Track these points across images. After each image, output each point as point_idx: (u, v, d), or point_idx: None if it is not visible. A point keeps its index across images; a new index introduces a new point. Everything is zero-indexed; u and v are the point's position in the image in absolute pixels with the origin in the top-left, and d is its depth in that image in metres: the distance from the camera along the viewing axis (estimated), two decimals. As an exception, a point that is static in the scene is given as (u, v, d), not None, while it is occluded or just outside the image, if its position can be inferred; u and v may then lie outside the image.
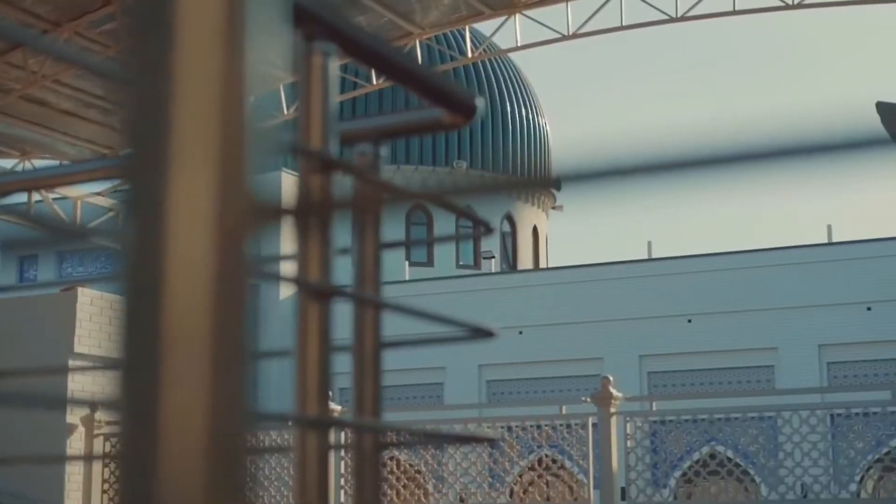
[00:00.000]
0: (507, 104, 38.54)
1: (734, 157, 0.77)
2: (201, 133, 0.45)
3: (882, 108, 9.41)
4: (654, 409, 12.05)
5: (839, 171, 0.77)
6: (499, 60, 38.26)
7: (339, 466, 11.66)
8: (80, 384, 13.02)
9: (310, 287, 1.51)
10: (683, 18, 18.63)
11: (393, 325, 1.37)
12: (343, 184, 1.63)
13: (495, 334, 1.79)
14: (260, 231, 0.45)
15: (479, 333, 1.82)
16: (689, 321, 27.85)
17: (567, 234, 71.27)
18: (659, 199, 0.83)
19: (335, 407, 12.64)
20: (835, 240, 28.53)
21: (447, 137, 37.21)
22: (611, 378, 11.21)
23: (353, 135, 1.88)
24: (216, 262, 0.44)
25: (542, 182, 1.47)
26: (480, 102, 1.86)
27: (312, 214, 1.54)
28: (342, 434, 2.19)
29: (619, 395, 11.10)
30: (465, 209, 1.94)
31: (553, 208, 41.08)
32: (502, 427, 12.45)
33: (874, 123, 0.80)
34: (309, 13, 1.54)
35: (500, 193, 1.09)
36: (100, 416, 13.53)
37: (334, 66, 1.57)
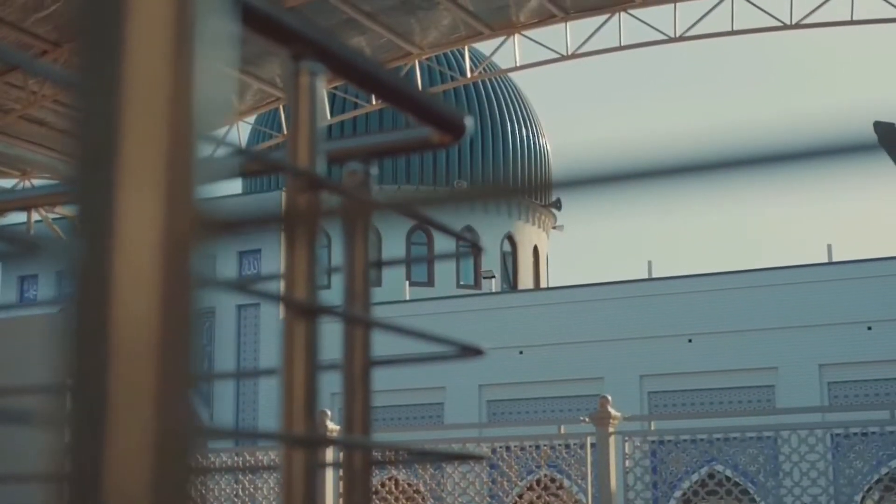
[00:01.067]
0: (508, 124, 38.60)
1: (729, 162, 0.78)
2: (148, 149, 0.45)
3: (879, 127, 9.46)
4: (653, 428, 12.03)
5: (834, 178, 0.78)
6: (499, 80, 38.34)
7: (338, 485, 11.60)
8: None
9: (296, 305, 1.52)
10: (682, 38, 18.68)
11: (389, 344, 1.37)
12: (333, 202, 1.65)
13: (485, 352, 1.79)
14: (207, 246, 0.46)
15: (469, 352, 1.82)
16: (690, 341, 27.83)
17: (567, 253, 71.28)
18: (655, 205, 0.84)
19: (333, 426, 12.60)
20: (835, 259, 28.52)
21: (448, 157, 37.26)
22: (609, 398, 11.20)
23: (343, 153, 1.89)
24: (163, 276, 0.45)
25: (537, 189, 1.48)
26: (469, 122, 1.86)
27: (299, 232, 1.55)
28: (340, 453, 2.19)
29: (618, 414, 11.09)
30: (457, 229, 1.95)
31: (554, 228, 41.09)
32: (501, 447, 12.44)
33: (867, 130, 0.81)
34: (296, 33, 1.54)
35: (496, 201, 1.10)
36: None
37: (322, 85, 1.57)
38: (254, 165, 2.08)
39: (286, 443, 1.55)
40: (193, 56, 0.47)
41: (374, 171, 1.88)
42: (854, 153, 0.78)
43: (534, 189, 1.45)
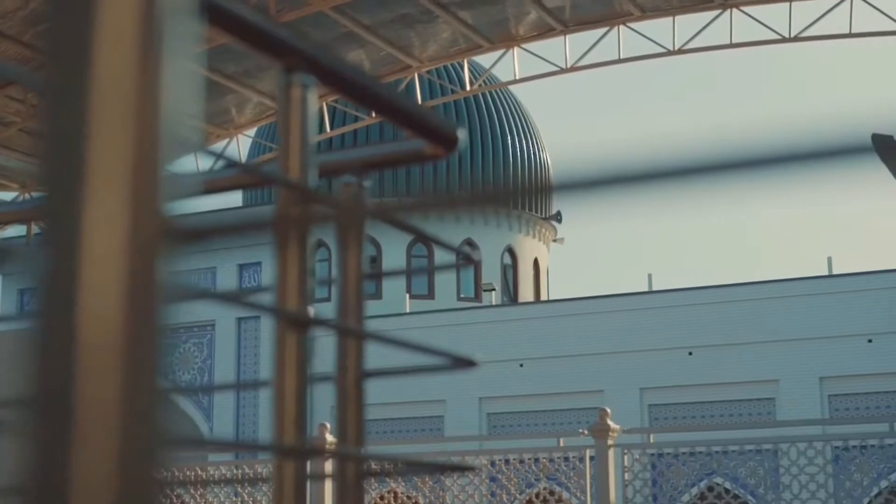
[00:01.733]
0: (508, 136, 38.62)
1: (727, 164, 0.79)
2: (115, 157, 0.46)
3: (877, 139, 9.47)
4: (652, 441, 12.02)
5: (832, 180, 0.79)
6: (499, 93, 38.37)
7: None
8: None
9: (287, 316, 1.52)
10: (681, 51, 18.72)
11: (384, 355, 1.38)
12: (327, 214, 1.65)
13: (477, 364, 1.79)
14: (174, 254, 0.46)
15: (462, 363, 1.82)
16: (690, 354, 27.79)
17: (568, 266, 71.24)
18: (653, 207, 0.84)
19: (332, 439, 12.59)
20: (835, 272, 28.50)
21: (448, 169, 37.27)
22: (608, 410, 11.19)
23: (337, 166, 1.89)
24: (129, 285, 0.45)
25: (533, 191, 1.49)
26: (462, 134, 1.87)
27: (290, 244, 1.55)
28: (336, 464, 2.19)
29: (617, 427, 11.08)
30: (447, 241, 1.95)
31: (554, 241, 41.08)
32: (500, 459, 12.43)
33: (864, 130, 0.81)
34: (288, 45, 1.55)
35: (493, 204, 1.10)
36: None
37: (314, 97, 1.58)
38: (247, 178, 2.09)
39: (277, 454, 1.55)
40: (160, 65, 0.48)
41: (368, 183, 1.88)
42: (851, 155, 0.79)
43: (529, 192, 1.45)
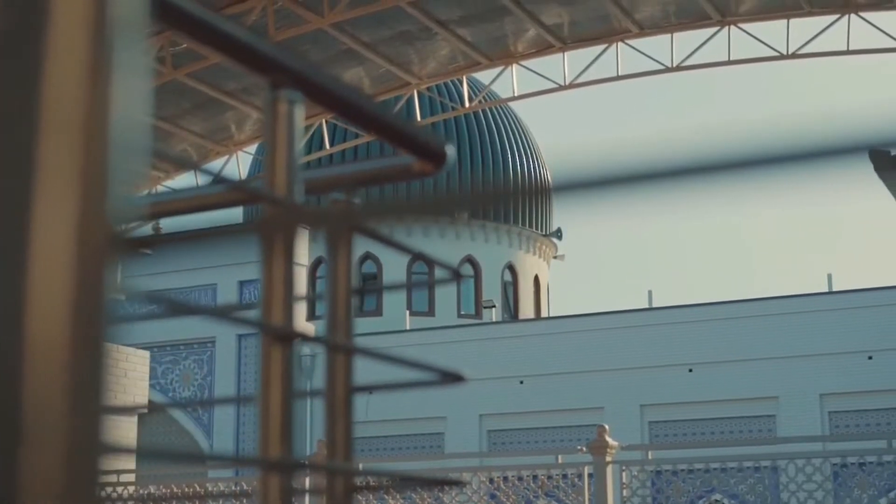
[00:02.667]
0: (509, 153, 38.64)
1: (721, 165, 0.79)
2: (62, 165, 0.47)
3: (874, 154, 9.46)
4: (651, 458, 12.00)
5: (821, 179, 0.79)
6: (499, 110, 38.41)
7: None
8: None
9: (272, 330, 1.52)
10: (679, 68, 18.76)
11: (377, 371, 1.39)
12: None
13: (465, 379, 1.80)
14: (121, 263, 0.47)
15: (450, 378, 1.82)
16: (690, 370, 27.77)
17: (568, 283, 71.22)
18: (649, 208, 0.85)
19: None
20: (835, 289, 28.51)
21: (448, 187, 37.30)
22: (606, 427, 11.18)
23: (326, 182, 1.90)
24: (75, 293, 0.46)
25: (530, 191, 1.49)
26: (451, 150, 1.87)
27: (275, 259, 1.55)
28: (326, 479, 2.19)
29: (615, 443, 11.06)
30: (438, 259, 1.96)
31: (555, 258, 41.08)
32: (499, 476, 12.40)
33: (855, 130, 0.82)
34: (274, 61, 1.56)
35: (490, 203, 1.11)
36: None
37: (300, 114, 1.59)
38: (236, 195, 2.10)
39: (262, 468, 1.55)
40: (110, 77, 0.48)
41: (358, 199, 1.89)
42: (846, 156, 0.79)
43: (523, 192, 1.46)
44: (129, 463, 13.91)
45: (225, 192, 1.96)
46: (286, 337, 1.54)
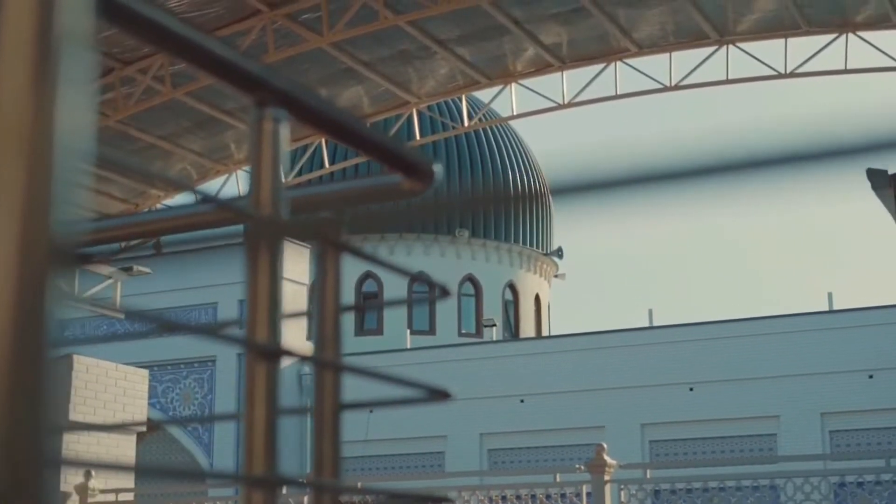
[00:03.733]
0: (510, 172, 38.63)
1: (717, 167, 0.80)
2: (6, 177, 0.47)
3: (871, 174, 9.47)
4: (650, 476, 11.97)
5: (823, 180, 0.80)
6: (500, 129, 38.44)
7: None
8: (75, 450, 12.98)
9: (257, 347, 1.52)
10: (677, 87, 18.79)
11: (364, 387, 1.39)
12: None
13: (452, 396, 1.80)
14: (63, 277, 0.47)
15: (437, 395, 1.82)
16: (691, 389, 27.72)
17: (569, 302, 71.09)
18: (645, 209, 0.85)
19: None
20: (836, 307, 28.46)
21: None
22: (605, 445, 11.16)
23: (317, 201, 1.90)
24: (15, 306, 0.46)
25: (521, 199, 1.50)
26: (439, 168, 1.88)
27: (261, 276, 1.55)
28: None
29: (613, 462, 11.04)
30: (419, 273, 1.96)
31: (555, 277, 41.04)
32: (498, 495, 12.37)
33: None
34: (259, 80, 1.56)
35: (481, 208, 1.11)
36: (94, 483, 13.45)
37: (286, 132, 1.59)
38: (221, 213, 2.10)
39: (246, 484, 1.55)
40: (55, 91, 0.49)
41: (346, 218, 1.89)
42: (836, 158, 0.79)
43: (518, 199, 1.47)
44: (129, 481, 13.88)
45: (212, 211, 1.96)
46: (271, 354, 1.53)
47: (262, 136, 1.57)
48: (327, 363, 1.83)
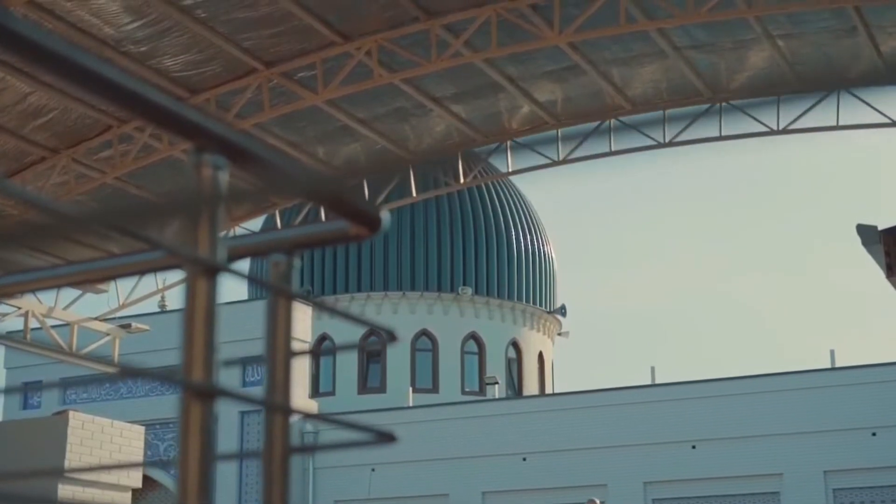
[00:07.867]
0: (512, 229, 38.68)
1: None
2: None
3: (861, 230, 9.50)
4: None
5: None
6: (502, 186, 38.52)
7: None
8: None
9: (192, 387, 1.52)
10: (671, 144, 18.89)
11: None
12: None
13: (396, 439, 1.81)
14: None
15: (383, 438, 1.83)
16: (694, 447, 27.60)
17: (572, 359, 70.87)
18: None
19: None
20: (838, 365, 28.40)
21: (452, 264, 37.29)
22: (597, 501, 11.13)
23: (267, 246, 1.93)
24: None
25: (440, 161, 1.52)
26: (385, 215, 1.89)
27: (197, 316, 1.56)
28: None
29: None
30: (371, 322, 1.99)
31: (559, 335, 40.96)
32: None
33: None
34: (198, 126, 1.59)
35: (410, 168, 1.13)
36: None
37: (224, 178, 1.61)
38: (173, 259, 2.12)
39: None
40: None
41: (297, 262, 1.92)
42: None
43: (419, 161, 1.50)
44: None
45: (163, 257, 1.97)
46: (206, 393, 1.54)
47: (201, 182, 1.59)
48: (277, 406, 1.84)
